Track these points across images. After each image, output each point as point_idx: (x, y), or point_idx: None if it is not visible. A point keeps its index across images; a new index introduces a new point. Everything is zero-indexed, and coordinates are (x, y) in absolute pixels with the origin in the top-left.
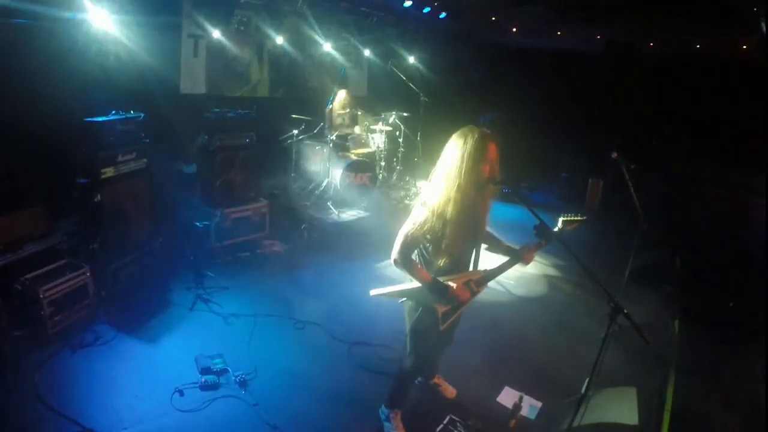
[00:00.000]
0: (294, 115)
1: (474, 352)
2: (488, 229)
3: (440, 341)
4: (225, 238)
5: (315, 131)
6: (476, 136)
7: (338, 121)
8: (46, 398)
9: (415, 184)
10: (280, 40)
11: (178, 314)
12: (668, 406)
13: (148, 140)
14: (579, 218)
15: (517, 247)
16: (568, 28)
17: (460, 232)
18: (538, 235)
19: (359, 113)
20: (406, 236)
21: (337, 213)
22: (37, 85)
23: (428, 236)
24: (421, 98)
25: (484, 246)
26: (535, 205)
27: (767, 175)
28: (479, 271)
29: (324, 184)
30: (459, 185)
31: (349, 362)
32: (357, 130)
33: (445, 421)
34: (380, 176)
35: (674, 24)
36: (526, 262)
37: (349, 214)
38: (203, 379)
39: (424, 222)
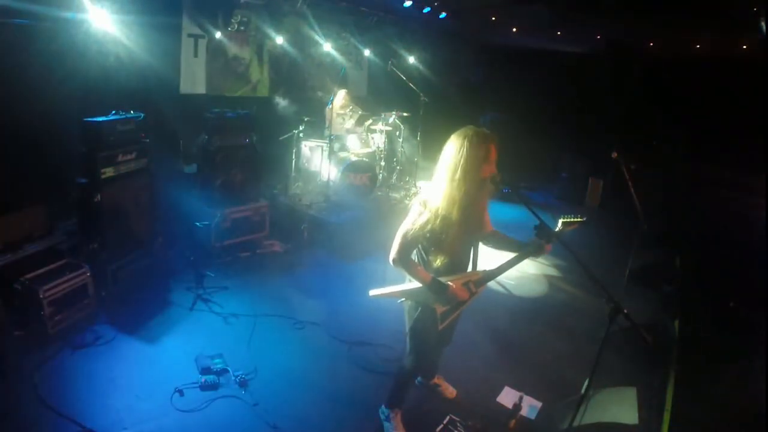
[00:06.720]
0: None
1: (474, 352)
2: (495, 229)
3: (440, 341)
4: (225, 238)
5: (315, 131)
6: (476, 136)
7: (338, 121)
8: (46, 398)
9: (415, 184)
10: (280, 40)
11: (178, 314)
12: (668, 406)
13: (148, 140)
14: (579, 219)
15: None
16: (568, 28)
17: (460, 232)
18: (538, 235)
19: (359, 113)
20: (405, 236)
21: (337, 213)
22: (37, 85)
23: (427, 236)
24: (421, 98)
25: (493, 247)
26: (535, 205)
27: (767, 175)
28: (479, 271)
29: (324, 184)
30: (459, 186)
31: (349, 362)
32: (357, 130)
33: (445, 421)
34: (380, 176)
35: (674, 24)
36: (544, 252)
37: (348, 214)
38: (203, 379)
39: (425, 222)
